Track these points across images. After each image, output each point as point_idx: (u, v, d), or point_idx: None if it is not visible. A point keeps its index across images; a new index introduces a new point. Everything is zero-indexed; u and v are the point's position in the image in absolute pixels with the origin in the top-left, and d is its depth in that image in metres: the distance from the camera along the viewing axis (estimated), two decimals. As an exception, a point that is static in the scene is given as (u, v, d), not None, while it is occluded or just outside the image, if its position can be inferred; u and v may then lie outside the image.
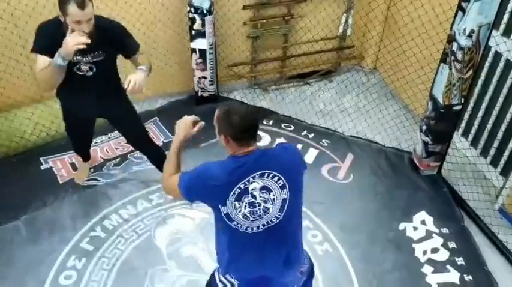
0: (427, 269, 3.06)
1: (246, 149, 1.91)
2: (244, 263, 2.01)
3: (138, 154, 3.91)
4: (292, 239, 2.04)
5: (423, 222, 3.39)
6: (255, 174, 1.89)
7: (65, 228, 3.23)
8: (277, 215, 1.93)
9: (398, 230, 3.33)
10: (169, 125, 4.22)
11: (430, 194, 3.64)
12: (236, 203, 1.88)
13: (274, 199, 1.91)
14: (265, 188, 1.90)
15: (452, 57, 3.18)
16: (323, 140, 4.17)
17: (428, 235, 3.29)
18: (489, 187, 3.55)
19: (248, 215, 1.89)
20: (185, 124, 2.14)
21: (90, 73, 2.69)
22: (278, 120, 4.41)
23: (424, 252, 3.17)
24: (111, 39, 2.62)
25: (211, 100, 4.56)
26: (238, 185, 1.87)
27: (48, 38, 2.49)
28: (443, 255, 3.15)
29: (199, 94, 4.53)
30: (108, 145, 4.02)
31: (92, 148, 3.77)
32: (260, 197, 1.89)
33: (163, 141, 4.06)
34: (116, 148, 3.99)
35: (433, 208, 3.50)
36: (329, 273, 3.01)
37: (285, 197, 1.93)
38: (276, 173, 1.91)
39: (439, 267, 3.08)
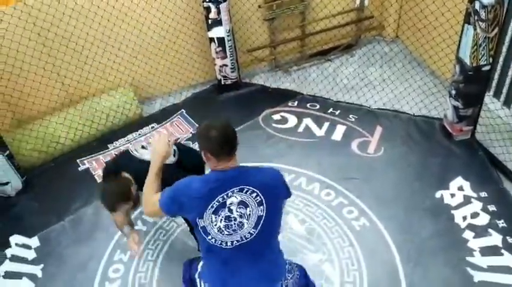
0: (468, 234, 3.03)
1: (226, 164, 1.92)
2: (216, 277, 2.03)
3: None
4: (268, 256, 2.02)
5: (460, 188, 3.35)
6: (234, 189, 1.91)
7: (107, 225, 3.34)
8: (251, 231, 1.93)
9: (435, 198, 3.30)
10: (196, 116, 4.30)
11: (464, 160, 3.58)
12: (213, 216, 1.90)
13: (250, 214, 1.92)
14: (242, 203, 1.91)
15: (476, 17, 3.08)
16: (350, 116, 4.14)
17: (467, 200, 3.25)
18: (526, 145, 3.46)
19: (223, 229, 1.91)
20: (162, 145, 2.16)
21: None
22: (303, 100, 4.40)
23: (464, 218, 3.14)
24: None
25: (234, 87, 4.59)
26: (216, 199, 1.90)
27: None
28: (483, 219, 3.11)
29: (222, 82, 4.56)
30: (139, 140, 4.11)
31: (124, 145, 3.87)
32: (237, 211, 1.92)
33: (191, 133, 4.13)
34: (149, 143, 4.07)
35: (469, 173, 3.44)
36: (368, 247, 3.03)
37: (261, 214, 1.93)
38: (254, 190, 1.92)
39: (480, 231, 3.04)
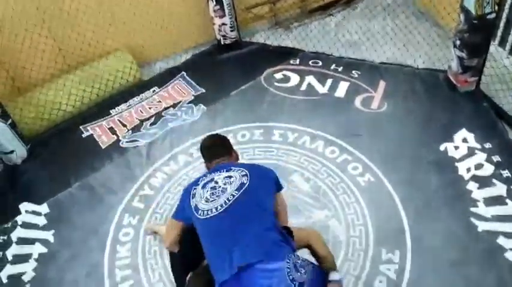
0: (472, 185, 3.04)
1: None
2: (218, 255, 1.90)
3: (171, 110, 3.98)
4: (257, 228, 1.89)
5: (464, 140, 3.34)
6: (222, 170, 2.09)
7: (115, 190, 3.39)
8: (233, 193, 1.97)
9: (440, 151, 3.30)
10: (197, 78, 4.25)
11: (469, 111, 3.55)
12: (201, 191, 2.03)
13: (233, 181, 2.01)
14: (228, 176, 2.04)
15: (482, -37, 2.97)
16: (353, 72, 4.08)
17: (471, 151, 3.24)
18: (532, 95, 3.42)
19: (209, 197, 1.99)
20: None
21: None
22: (305, 57, 4.33)
23: (468, 169, 3.14)
24: None
25: (235, 47, 4.51)
26: (205, 179, 2.08)
27: None
28: (487, 170, 3.11)
29: (222, 42, 4.48)
30: (141, 105, 4.10)
31: (126, 111, 3.86)
32: (222, 181, 2.02)
33: (193, 95, 4.10)
34: (150, 108, 4.06)
35: (473, 125, 3.42)
36: (374, 203, 3.06)
37: (244, 182, 1.99)
38: (241, 168, 2.08)
39: (484, 182, 3.05)
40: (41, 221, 3.25)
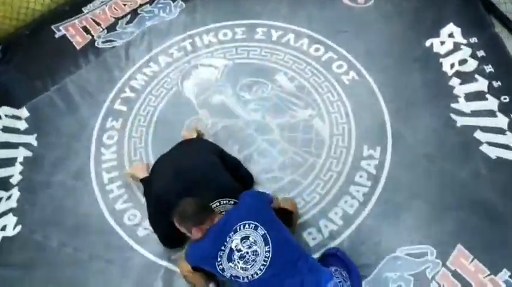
0: (455, 81, 3.05)
1: (212, 222, 2.08)
2: None
3: (147, 7, 3.76)
4: (301, 265, 2.01)
5: (451, 35, 3.27)
6: (229, 234, 2.03)
7: (95, 93, 3.31)
8: (266, 250, 1.97)
9: (425, 47, 3.25)
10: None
11: (457, 5, 3.44)
12: (230, 264, 2.00)
13: (254, 240, 1.98)
14: (244, 238, 2.01)
15: None
16: (339, -38, 3.83)
17: (456, 47, 3.20)
18: (522, -14, 3.30)
19: (244, 266, 1.97)
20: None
21: None
22: None
23: (452, 65, 3.13)
24: None
25: None
26: (222, 250, 2.02)
27: None
28: (471, 65, 3.10)
29: None
30: (115, 2, 3.83)
31: (99, 8, 3.63)
32: (243, 246, 1.99)
33: None
34: (124, 4, 3.82)
35: (461, 19, 3.34)
36: (357, 101, 3.07)
37: (263, 232, 2.00)
38: (245, 222, 2.03)
39: (466, 78, 3.06)
40: (22, 125, 3.20)
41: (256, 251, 1.99)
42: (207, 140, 2.91)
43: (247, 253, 1.99)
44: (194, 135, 2.89)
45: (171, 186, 2.35)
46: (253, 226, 2.03)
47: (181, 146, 2.72)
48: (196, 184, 2.31)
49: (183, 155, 2.58)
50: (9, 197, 2.87)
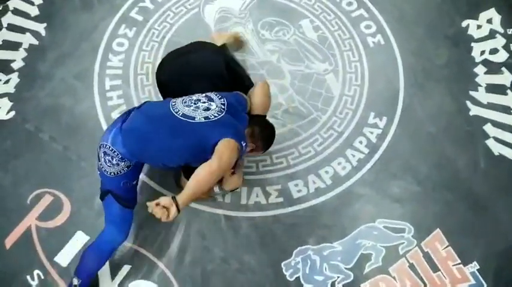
0: (480, 69, 2.95)
1: None
2: None
3: None
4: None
5: (489, 21, 3.12)
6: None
7: (113, -4, 3.19)
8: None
9: (460, 27, 3.11)
10: None
11: (506, -10, 3.26)
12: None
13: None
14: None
15: None
16: None
17: (492, 34, 3.07)
18: None
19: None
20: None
21: None
22: None
23: (482, 52, 3.01)
24: None
25: None
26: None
27: None
28: (501, 56, 2.99)
29: None
30: None
31: None
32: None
33: None
34: None
35: (504, 6, 3.17)
36: (376, 65, 2.97)
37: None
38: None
39: (492, 68, 2.96)
40: (34, 11, 3.09)
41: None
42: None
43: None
44: (224, 40, 2.68)
45: (174, 75, 2.37)
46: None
47: (197, 42, 2.54)
48: (195, 78, 2.31)
49: (193, 50, 2.44)
50: (7, 81, 2.82)
